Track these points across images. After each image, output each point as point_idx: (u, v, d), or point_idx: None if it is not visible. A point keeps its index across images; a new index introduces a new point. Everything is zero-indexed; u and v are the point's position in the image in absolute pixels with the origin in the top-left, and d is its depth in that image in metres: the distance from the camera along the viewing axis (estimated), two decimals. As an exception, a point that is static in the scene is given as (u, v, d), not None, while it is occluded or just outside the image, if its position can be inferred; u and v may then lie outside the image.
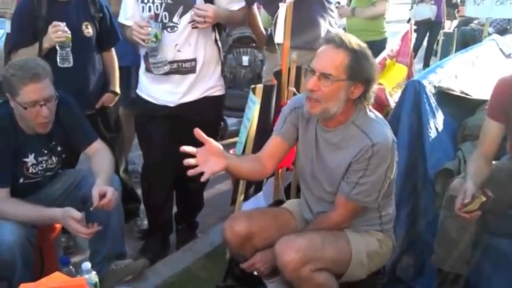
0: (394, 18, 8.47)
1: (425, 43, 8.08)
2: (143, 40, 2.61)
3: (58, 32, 2.63)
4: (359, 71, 1.98)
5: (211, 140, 1.98)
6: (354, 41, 2.01)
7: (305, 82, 2.08)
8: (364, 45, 2.04)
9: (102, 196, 2.32)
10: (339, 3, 5.12)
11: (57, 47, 2.67)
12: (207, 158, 1.94)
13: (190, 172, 1.90)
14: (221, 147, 2.02)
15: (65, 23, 2.65)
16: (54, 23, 2.64)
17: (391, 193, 2.23)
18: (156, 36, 2.62)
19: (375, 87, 2.07)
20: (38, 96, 2.26)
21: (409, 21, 5.27)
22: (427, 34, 8.06)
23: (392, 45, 4.02)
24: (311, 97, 2.02)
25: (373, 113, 2.13)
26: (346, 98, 2.01)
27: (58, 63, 2.64)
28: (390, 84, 3.80)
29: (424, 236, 2.66)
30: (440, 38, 6.16)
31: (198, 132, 1.94)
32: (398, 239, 2.57)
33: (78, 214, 2.29)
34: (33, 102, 2.26)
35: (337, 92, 1.99)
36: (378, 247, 2.20)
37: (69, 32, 2.65)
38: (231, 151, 2.96)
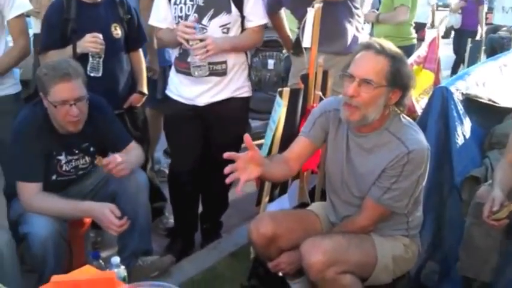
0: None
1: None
2: (187, 40, 2.63)
3: (95, 42, 2.71)
4: (398, 77, 1.99)
5: (256, 147, 2.00)
6: (393, 48, 2.03)
7: (340, 87, 2.09)
8: (400, 51, 2.05)
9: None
10: (374, 11, 5.12)
11: (89, 56, 2.75)
12: (246, 165, 1.96)
13: (228, 180, 1.92)
14: (262, 155, 2.04)
15: (101, 35, 2.73)
16: (94, 34, 2.71)
17: (420, 199, 2.23)
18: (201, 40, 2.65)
19: (410, 93, 2.08)
20: (68, 96, 2.31)
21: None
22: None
23: (420, 51, 4.01)
24: (350, 103, 2.02)
25: (407, 120, 2.14)
26: (385, 104, 2.03)
27: (87, 71, 2.70)
28: (417, 91, 3.80)
29: (449, 243, 2.65)
30: (468, 45, 6.11)
31: (248, 138, 1.94)
32: (424, 244, 2.56)
33: (118, 211, 2.36)
34: (63, 101, 2.31)
35: (377, 98, 2.00)
36: (403, 252, 2.20)
37: (104, 44, 2.73)
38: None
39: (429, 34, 4.14)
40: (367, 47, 2.03)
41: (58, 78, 2.29)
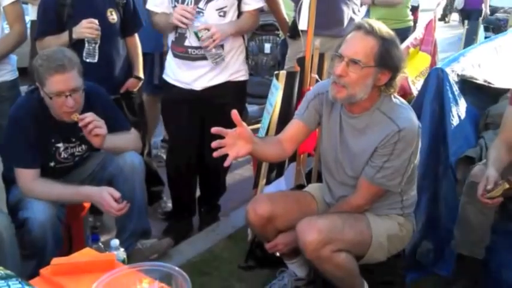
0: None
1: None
2: (185, 23, 2.66)
3: (91, 28, 2.71)
4: (388, 59, 2.00)
5: (244, 124, 2.00)
6: (384, 29, 2.03)
7: (332, 67, 2.10)
8: (392, 33, 2.06)
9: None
10: None
11: (85, 42, 2.75)
12: (235, 141, 1.97)
13: (215, 154, 1.93)
14: (251, 132, 2.04)
15: (97, 21, 2.73)
16: (90, 19, 2.72)
17: (413, 178, 2.25)
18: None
19: (400, 75, 2.09)
20: (63, 87, 2.30)
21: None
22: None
23: (416, 33, 4.01)
24: (338, 82, 2.04)
25: (398, 99, 2.16)
26: (373, 84, 2.04)
27: (83, 57, 2.70)
28: (413, 73, 3.81)
29: (444, 222, 2.69)
30: (465, 27, 6.12)
31: (235, 114, 1.94)
32: (419, 224, 2.60)
33: (117, 192, 2.37)
34: (58, 92, 2.30)
35: (365, 78, 2.01)
36: (398, 230, 2.23)
37: (100, 30, 2.73)
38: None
39: (425, 16, 4.12)
40: (358, 27, 2.05)
41: (53, 70, 2.28)
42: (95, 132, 2.37)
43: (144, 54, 3.30)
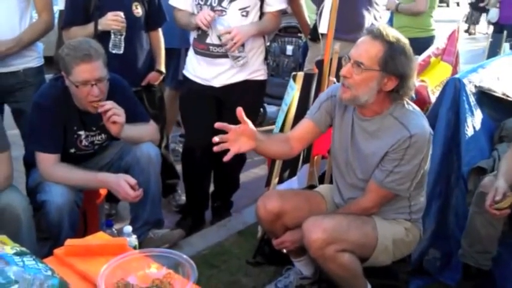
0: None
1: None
2: (206, 26, 2.72)
3: (117, 20, 2.79)
4: (392, 64, 2.01)
5: (249, 121, 2.05)
6: (393, 35, 2.05)
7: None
8: (404, 40, 2.07)
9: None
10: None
11: (111, 33, 2.83)
12: (237, 137, 2.02)
13: (216, 148, 1.98)
14: (256, 131, 2.09)
15: (123, 13, 2.81)
16: (116, 12, 2.80)
17: (423, 184, 2.27)
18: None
19: (412, 83, 2.10)
20: (89, 76, 2.37)
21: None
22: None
23: (438, 43, 4.01)
24: (343, 83, 2.10)
25: (411, 106, 2.18)
26: (378, 89, 2.06)
27: (109, 49, 2.78)
28: (433, 82, 3.81)
29: (453, 231, 2.70)
30: (488, 39, 6.07)
31: (240, 112, 2.00)
32: (428, 232, 2.63)
33: (133, 179, 2.44)
34: (84, 81, 2.37)
35: (368, 81, 2.04)
36: (404, 235, 2.25)
37: (125, 22, 2.81)
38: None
39: (449, 27, 4.12)
40: (368, 31, 2.08)
41: (79, 59, 2.35)
42: (113, 119, 2.43)
43: (169, 50, 3.36)
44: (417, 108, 2.19)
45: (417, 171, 2.13)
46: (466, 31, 11.34)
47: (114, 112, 2.43)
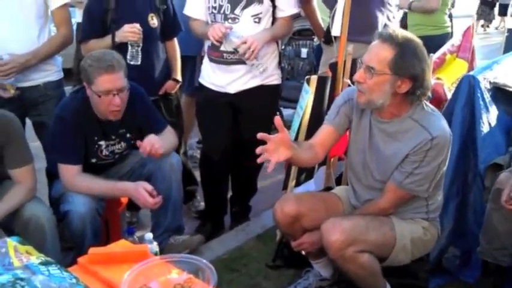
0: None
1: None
2: (218, 41, 2.77)
3: (133, 32, 2.84)
4: (403, 67, 2.02)
5: (285, 130, 2.05)
6: (404, 37, 2.05)
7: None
8: (416, 41, 2.07)
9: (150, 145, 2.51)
10: None
11: (128, 45, 2.89)
12: (276, 147, 2.00)
13: (259, 159, 1.98)
14: (290, 138, 2.09)
15: (138, 24, 2.86)
16: (133, 24, 2.85)
17: (440, 184, 2.28)
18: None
19: (428, 83, 2.10)
20: (111, 86, 2.44)
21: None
22: None
23: (453, 40, 4.00)
24: (358, 88, 2.12)
25: (430, 107, 2.19)
26: (393, 91, 2.07)
27: (127, 60, 2.83)
28: (450, 80, 3.79)
29: (471, 229, 2.70)
30: (504, 34, 6.02)
31: (278, 120, 2.00)
32: (446, 230, 2.63)
33: (150, 186, 2.50)
34: (106, 91, 2.44)
35: (381, 85, 2.05)
36: (422, 234, 2.27)
37: (142, 34, 2.86)
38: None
39: (464, 23, 4.10)
40: (378, 35, 2.10)
41: (103, 70, 2.42)
42: (159, 152, 2.53)
43: (186, 57, 3.41)
44: (436, 110, 2.20)
45: (436, 172, 2.14)
46: (482, 26, 11.23)
47: (156, 149, 2.51)
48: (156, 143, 2.53)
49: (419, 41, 2.09)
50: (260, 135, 1.98)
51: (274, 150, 1.99)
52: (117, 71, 2.45)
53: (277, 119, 2.00)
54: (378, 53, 2.05)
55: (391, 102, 2.10)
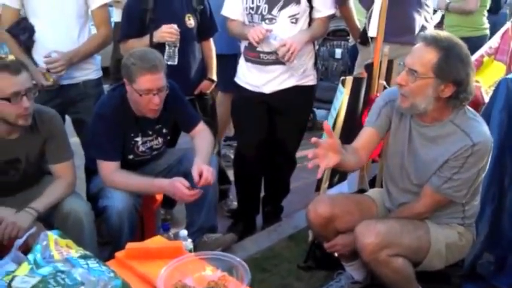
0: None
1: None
2: (257, 43, 2.79)
3: (171, 33, 2.89)
4: (447, 71, 1.99)
5: (334, 134, 2.04)
6: (449, 40, 2.02)
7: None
8: (460, 45, 2.04)
9: (200, 175, 2.54)
10: None
11: (166, 45, 2.93)
12: (326, 152, 1.99)
13: (310, 165, 1.97)
14: (340, 143, 2.07)
15: (176, 25, 2.89)
16: (170, 25, 2.89)
17: (478, 190, 2.26)
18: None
19: (472, 88, 2.06)
20: (152, 86, 2.48)
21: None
22: None
23: (491, 42, 3.93)
24: (401, 92, 2.10)
25: (472, 112, 2.15)
26: (436, 95, 2.04)
27: (165, 60, 2.85)
28: (487, 82, 3.73)
29: (507, 234, 2.64)
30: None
31: (326, 125, 2.00)
32: (481, 235, 2.58)
33: (186, 182, 2.53)
34: (147, 90, 2.48)
35: (424, 88, 2.03)
36: (457, 240, 2.24)
37: (179, 34, 2.90)
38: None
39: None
40: (422, 38, 2.07)
41: (146, 70, 2.46)
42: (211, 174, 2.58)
43: (228, 56, 3.43)
44: (478, 115, 2.17)
45: (476, 178, 2.12)
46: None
47: (209, 181, 2.57)
48: (208, 175, 2.56)
49: (463, 45, 2.06)
50: (313, 140, 1.97)
51: (324, 155, 1.98)
52: (159, 71, 2.49)
53: (325, 124, 2.00)
54: (422, 56, 2.02)
55: (433, 106, 2.07)
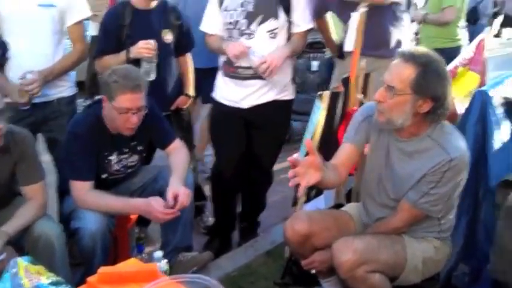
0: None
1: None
2: (237, 59, 2.79)
3: (148, 48, 2.84)
4: (425, 87, 2.00)
5: (316, 152, 2.02)
6: (426, 56, 2.03)
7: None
8: (439, 60, 2.05)
9: (175, 198, 2.50)
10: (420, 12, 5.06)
11: (142, 61, 2.88)
12: (306, 170, 1.96)
13: (291, 184, 1.94)
14: (321, 160, 2.04)
15: (153, 41, 2.85)
16: (147, 40, 2.84)
17: (455, 204, 2.27)
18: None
19: (449, 103, 2.07)
20: (132, 105, 2.45)
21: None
22: None
23: (466, 53, 3.98)
24: (378, 108, 2.10)
25: (449, 126, 2.16)
26: (414, 111, 2.05)
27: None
28: (462, 92, 3.76)
29: (482, 246, 2.66)
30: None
31: (308, 142, 1.99)
32: (456, 247, 2.59)
33: (161, 200, 2.49)
34: (127, 109, 2.44)
35: (401, 105, 2.03)
36: (434, 254, 2.25)
37: (156, 50, 2.86)
38: (294, 155, 3.07)
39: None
40: (400, 54, 2.08)
41: (128, 89, 2.42)
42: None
43: (210, 69, 3.39)
44: (456, 130, 2.18)
45: (452, 193, 2.13)
46: (497, 36, 11.16)
47: (185, 205, 2.53)
48: (183, 200, 2.53)
49: (442, 60, 2.07)
50: (291, 159, 1.95)
51: (304, 173, 1.96)
52: (141, 91, 2.46)
53: (307, 142, 1.99)
54: (400, 73, 2.03)
55: (411, 122, 2.08)
